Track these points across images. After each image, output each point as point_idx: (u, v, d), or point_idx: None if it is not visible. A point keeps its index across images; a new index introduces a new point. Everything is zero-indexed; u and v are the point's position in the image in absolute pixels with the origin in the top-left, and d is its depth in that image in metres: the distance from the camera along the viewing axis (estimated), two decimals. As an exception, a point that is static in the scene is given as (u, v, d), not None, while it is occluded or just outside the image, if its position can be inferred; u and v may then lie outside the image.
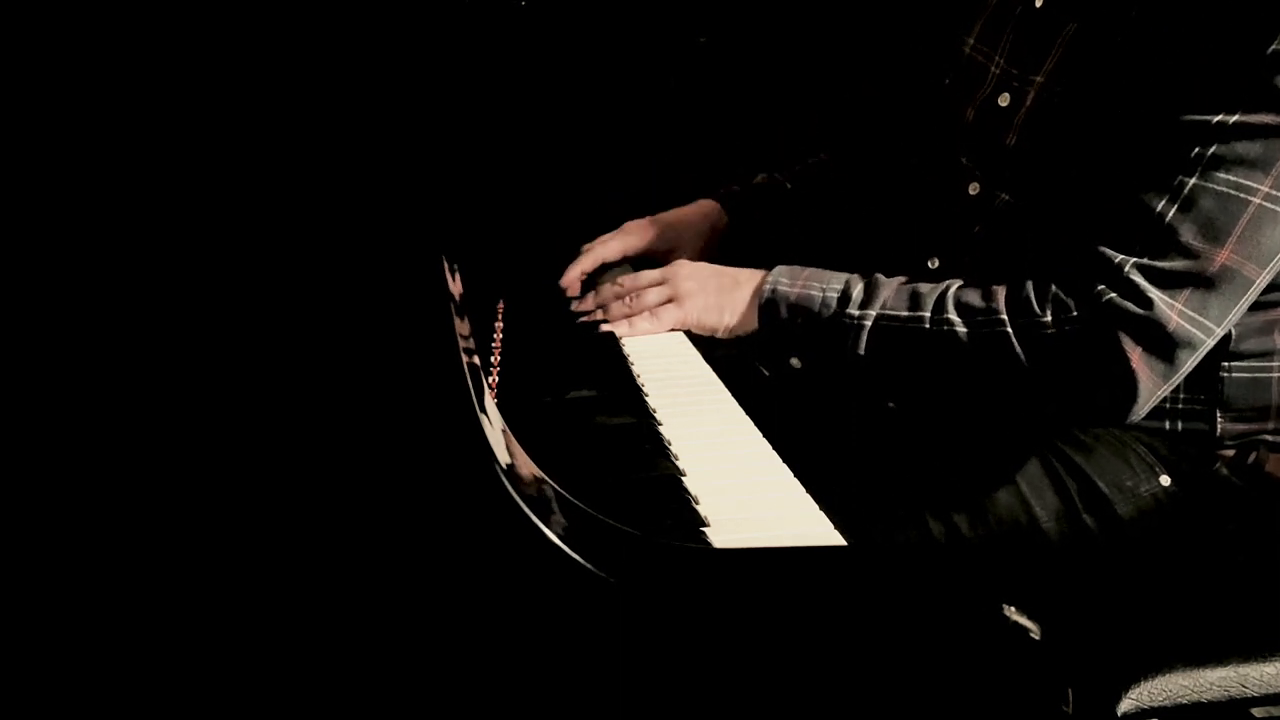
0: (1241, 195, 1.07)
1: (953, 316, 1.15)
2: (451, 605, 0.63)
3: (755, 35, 2.32)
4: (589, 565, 0.62)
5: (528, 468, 0.68)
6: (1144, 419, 1.20)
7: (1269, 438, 1.21)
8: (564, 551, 0.62)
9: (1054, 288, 1.12)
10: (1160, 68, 1.11)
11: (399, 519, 0.63)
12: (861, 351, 1.18)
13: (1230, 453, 1.21)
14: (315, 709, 0.65)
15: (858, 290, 1.21)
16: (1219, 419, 1.20)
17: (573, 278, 1.45)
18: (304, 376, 0.64)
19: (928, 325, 1.15)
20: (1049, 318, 1.10)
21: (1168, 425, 1.21)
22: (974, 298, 1.16)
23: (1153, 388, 1.08)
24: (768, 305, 1.25)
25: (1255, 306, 1.17)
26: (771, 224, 1.56)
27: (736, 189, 1.58)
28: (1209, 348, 1.10)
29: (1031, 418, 1.21)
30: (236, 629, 0.64)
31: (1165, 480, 1.18)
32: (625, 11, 2.24)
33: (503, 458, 0.64)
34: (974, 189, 1.30)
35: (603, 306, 1.35)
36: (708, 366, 1.25)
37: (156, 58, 0.66)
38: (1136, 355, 1.07)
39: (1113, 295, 1.08)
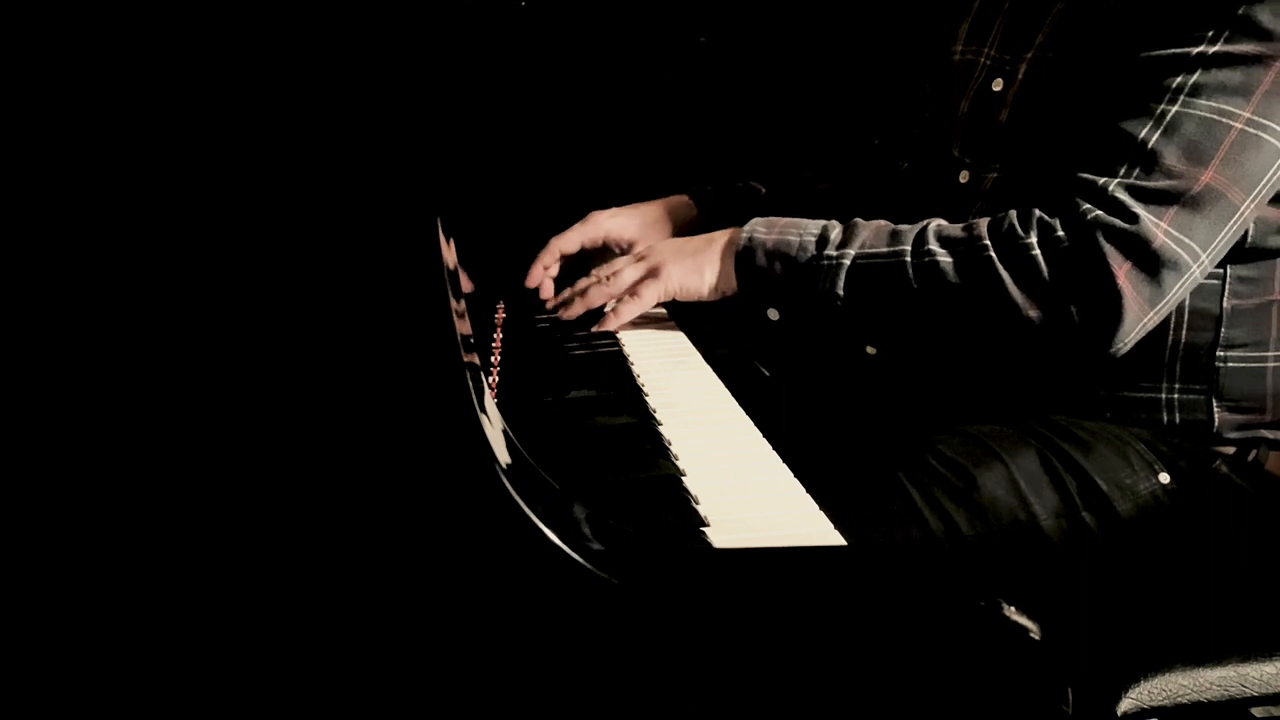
0: (1224, 120, 1.08)
1: (934, 248, 1.15)
2: (452, 605, 0.63)
3: (755, 35, 2.32)
4: (589, 565, 0.62)
5: (528, 468, 0.68)
6: (1143, 412, 1.20)
7: (1268, 435, 1.22)
8: (564, 551, 0.62)
9: (1037, 212, 1.12)
10: (1147, 16, 1.14)
11: (399, 519, 0.63)
12: (840, 291, 1.18)
13: (1230, 450, 1.21)
14: (315, 709, 0.65)
15: (836, 233, 1.21)
16: (1216, 409, 1.20)
17: (537, 276, 1.44)
18: (303, 376, 0.64)
19: (909, 259, 1.15)
20: (1033, 238, 1.10)
21: (1166, 418, 1.21)
22: (955, 230, 1.16)
23: (1139, 313, 1.08)
24: (744, 254, 1.24)
25: (1250, 286, 1.18)
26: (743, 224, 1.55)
27: (710, 189, 1.57)
28: (1195, 277, 1.10)
29: (1016, 354, 1.20)
30: (235, 629, 0.64)
31: (1164, 478, 1.18)
32: (625, 11, 2.24)
33: (503, 458, 0.64)
34: (964, 176, 1.31)
35: (581, 296, 1.35)
36: (708, 366, 1.25)
37: (156, 57, 0.66)
38: (1123, 272, 1.07)
39: (1098, 212, 1.08)
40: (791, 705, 0.62)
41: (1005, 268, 1.11)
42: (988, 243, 1.12)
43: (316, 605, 0.64)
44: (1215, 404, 1.20)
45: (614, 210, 1.49)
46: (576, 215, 1.50)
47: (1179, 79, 1.09)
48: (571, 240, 1.46)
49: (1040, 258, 1.09)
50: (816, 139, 2.12)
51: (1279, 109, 1.09)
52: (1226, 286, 1.18)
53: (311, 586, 0.64)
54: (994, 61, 1.32)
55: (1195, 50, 1.09)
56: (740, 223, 1.32)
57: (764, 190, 1.57)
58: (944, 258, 1.14)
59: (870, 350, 1.31)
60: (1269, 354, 1.20)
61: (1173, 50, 1.10)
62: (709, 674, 0.62)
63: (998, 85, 1.30)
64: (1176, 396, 1.20)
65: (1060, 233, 1.09)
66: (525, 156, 1.86)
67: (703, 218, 1.53)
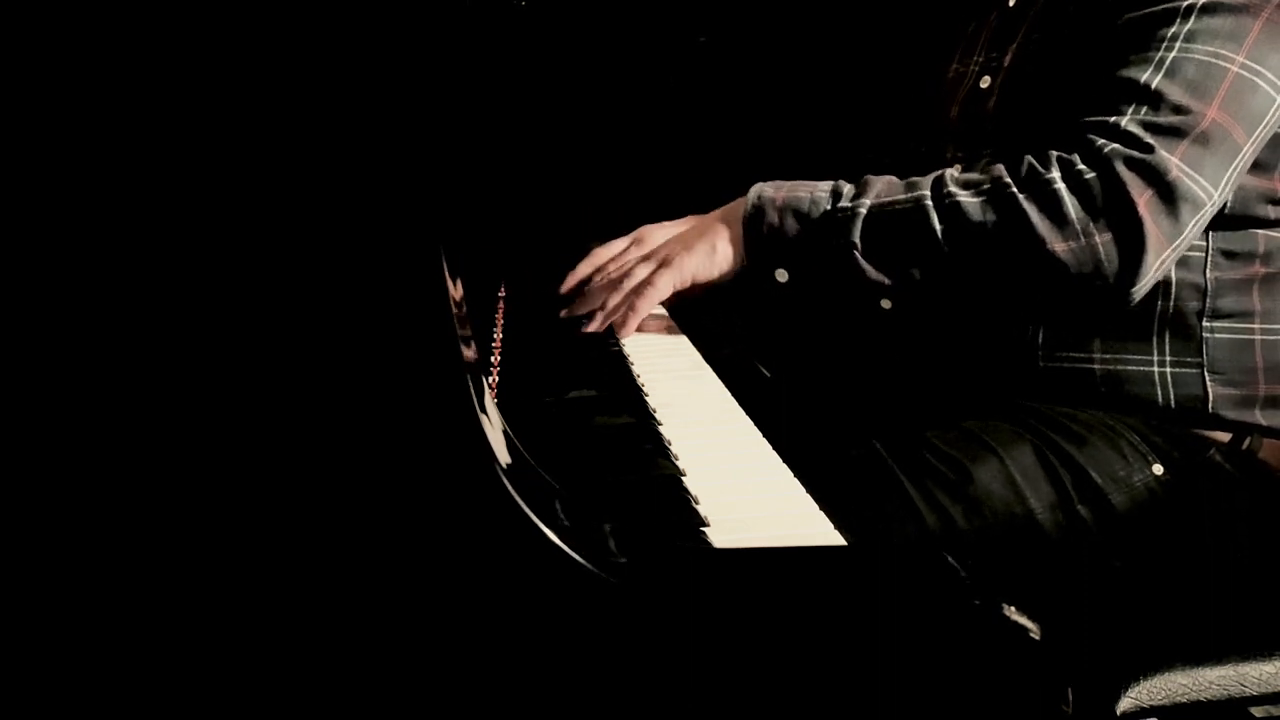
0: (1221, 63, 1.12)
1: (954, 190, 1.16)
2: (452, 605, 0.64)
3: (755, 35, 2.32)
4: (589, 565, 0.62)
5: (528, 468, 0.68)
6: (1136, 389, 1.21)
7: (1262, 421, 1.22)
8: (564, 551, 0.62)
9: (1054, 151, 1.14)
10: None
11: (399, 519, 0.64)
12: (856, 240, 1.17)
13: (1224, 438, 1.22)
14: (315, 709, 0.65)
15: (848, 187, 1.22)
16: (1209, 383, 1.21)
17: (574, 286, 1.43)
18: (303, 377, 0.64)
19: (929, 202, 1.16)
20: (1055, 173, 1.12)
21: (1160, 397, 1.21)
22: (973, 174, 1.18)
23: (1159, 247, 1.10)
24: (753, 214, 1.24)
25: (1232, 260, 1.19)
26: None
27: None
28: (1206, 216, 1.13)
29: (1040, 297, 1.20)
30: (235, 629, 0.64)
31: (1158, 469, 1.18)
32: (625, 11, 2.24)
33: (503, 458, 0.64)
34: (957, 170, 1.33)
35: (600, 308, 1.33)
36: (708, 367, 1.25)
37: (156, 58, 0.66)
38: (1143, 201, 1.09)
39: (1114, 144, 1.11)
40: (791, 705, 0.62)
41: (1030, 203, 1.12)
42: (1009, 181, 1.14)
43: (317, 605, 0.64)
44: (1208, 378, 1.21)
45: (667, 229, 1.44)
46: (576, 215, 1.50)
47: (1173, 28, 1.14)
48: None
49: (1064, 190, 1.11)
50: (813, 140, 2.12)
51: (1270, 57, 1.13)
52: (1209, 259, 1.20)
53: (312, 586, 0.64)
54: (981, 65, 1.37)
55: (1185, 2, 1.14)
56: None
57: None
58: (967, 199, 1.15)
59: (885, 304, 1.30)
60: (1255, 326, 1.21)
61: (1164, 5, 1.15)
62: (709, 674, 0.62)
63: (985, 82, 1.34)
64: (1169, 371, 1.21)
65: (1081, 166, 1.11)
66: (525, 157, 1.87)
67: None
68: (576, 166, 1.99)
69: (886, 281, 1.18)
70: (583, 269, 1.39)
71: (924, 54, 1.50)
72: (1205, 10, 1.13)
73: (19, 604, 0.64)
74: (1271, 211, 1.21)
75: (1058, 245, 1.11)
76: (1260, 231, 1.21)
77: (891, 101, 1.56)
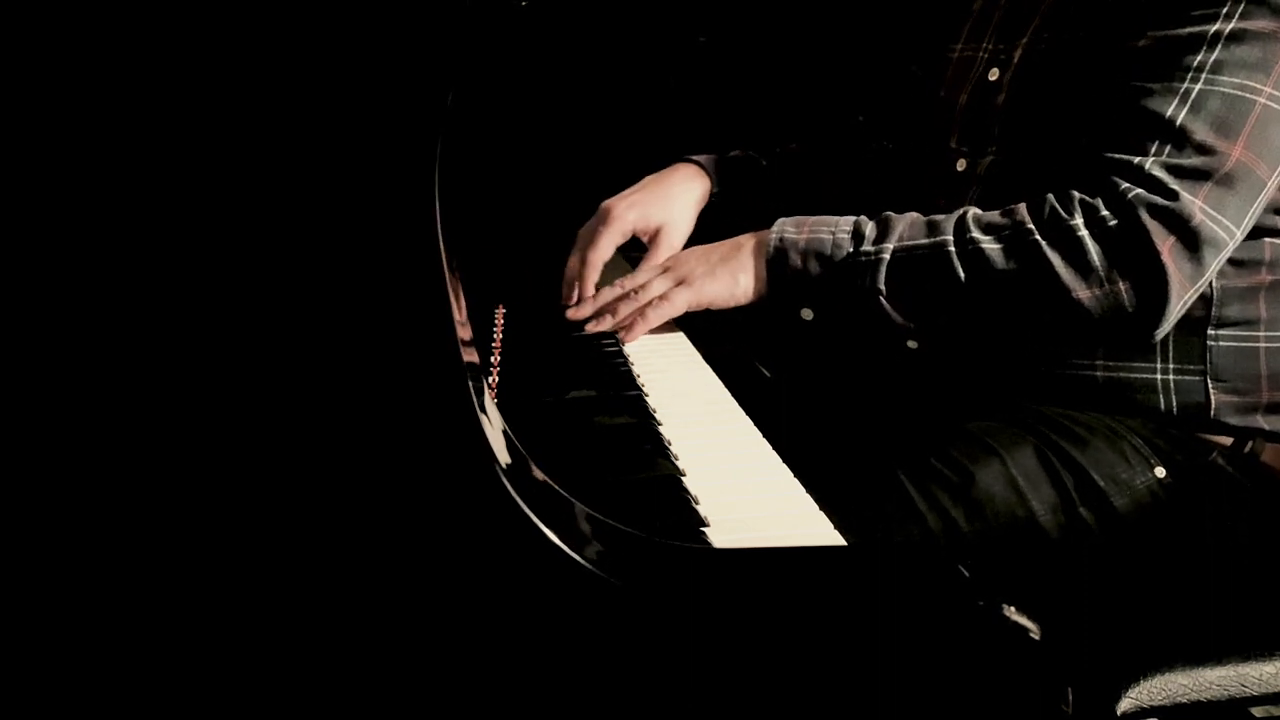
0: (1248, 96, 1.10)
1: (978, 235, 1.15)
2: (452, 606, 0.64)
3: (755, 35, 2.32)
4: (589, 566, 0.62)
5: (528, 468, 0.68)
6: (1139, 396, 1.21)
7: (1265, 425, 1.22)
8: (564, 552, 0.62)
9: (1076, 194, 1.13)
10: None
11: (399, 520, 0.64)
12: (881, 285, 1.17)
13: (1226, 441, 1.22)
14: (315, 709, 0.65)
15: (870, 228, 1.20)
16: (1212, 391, 1.20)
17: (576, 294, 1.40)
18: (303, 377, 0.64)
19: (952, 248, 1.15)
20: (1078, 220, 1.11)
21: (1163, 403, 1.21)
22: (995, 217, 1.17)
23: (1181, 290, 1.10)
24: (776, 256, 1.23)
25: (1239, 269, 1.19)
26: (750, 197, 1.53)
27: (715, 157, 1.54)
28: (1228, 253, 1.12)
29: (1061, 336, 1.21)
30: (235, 630, 0.64)
31: (1160, 472, 1.18)
32: (625, 11, 2.24)
33: (503, 458, 0.64)
34: (961, 164, 1.32)
35: (610, 312, 1.33)
36: (708, 367, 1.25)
37: (156, 58, 0.66)
38: (1167, 248, 1.09)
39: (1138, 190, 1.10)
40: (792, 705, 0.62)
41: (1053, 250, 1.11)
42: (1032, 227, 1.13)
43: (317, 605, 0.64)
44: (1211, 385, 1.20)
45: (630, 199, 1.44)
46: (576, 215, 1.49)
47: (1199, 57, 1.11)
48: (606, 249, 1.40)
49: (1087, 238, 1.11)
50: (817, 137, 2.12)
51: None
52: None
53: (312, 586, 0.64)
54: (990, 54, 1.34)
55: (1213, 28, 1.11)
56: (753, 196, 1.29)
57: (764, 163, 1.56)
58: (989, 244, 1.14)
59: (912, 344, 1.30)
60: (1260, 334, 1.21)
61: (1190, 29, 1.12)
62: (709, 674, 0.62)
63: (994, 75, 1.32)
64: (1172, 378, 1.21)
65: (1104, 212, 1.11)
66: (525, 157, 1.86)
67: (716, 185, 1.49)
68: (576, 166, 1.99)
69: (912, 325, 1.20)
70: (573, 262, 1.40)
71: (928, 34, 1.49)
72: (1233, 38, 1.11)
73: (19, 604, 0.64)
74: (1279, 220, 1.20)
75: (1081, 293, 1.11)
76: (1268, 240, 1.20)
77: (896, 86, 1.55)
